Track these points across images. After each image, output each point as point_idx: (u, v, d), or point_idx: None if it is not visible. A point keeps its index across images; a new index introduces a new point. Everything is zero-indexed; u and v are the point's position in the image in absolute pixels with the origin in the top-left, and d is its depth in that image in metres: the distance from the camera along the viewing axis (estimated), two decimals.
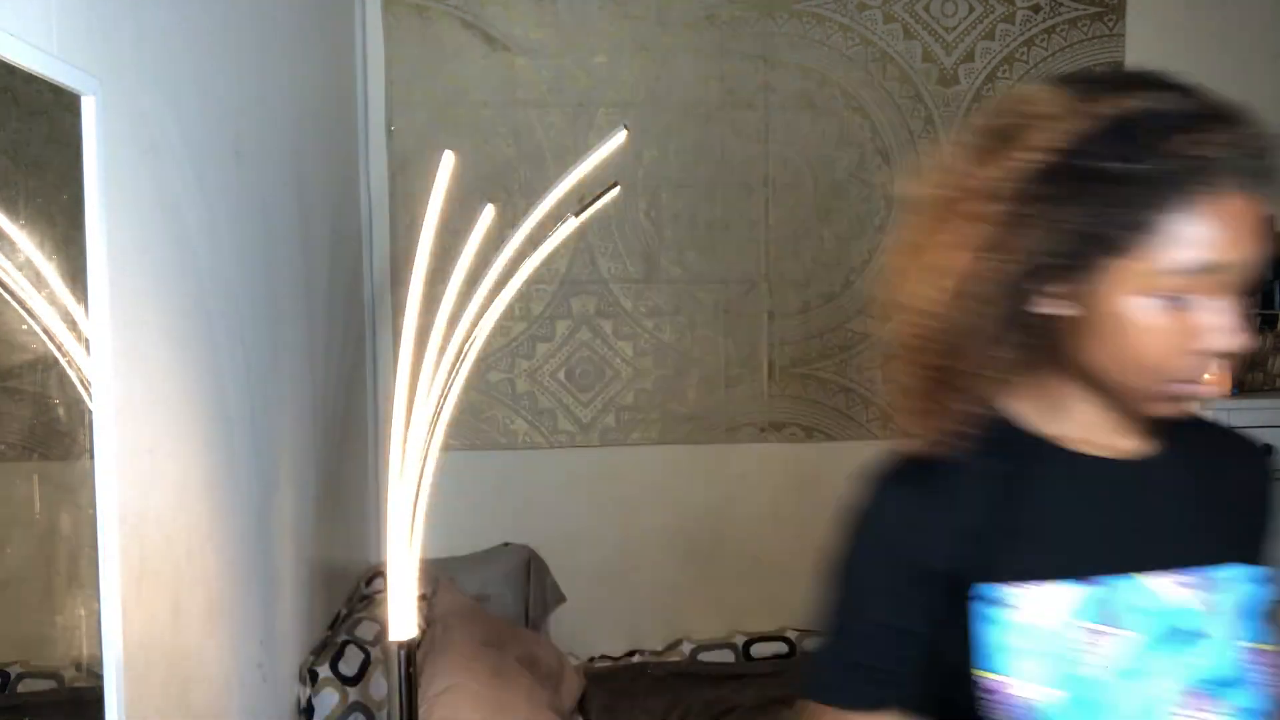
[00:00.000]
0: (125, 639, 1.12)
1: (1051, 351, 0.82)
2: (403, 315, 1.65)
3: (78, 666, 1.07)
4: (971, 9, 3.04)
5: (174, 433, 1.36)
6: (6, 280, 0.93)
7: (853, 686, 0.88)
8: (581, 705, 2.48)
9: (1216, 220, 0.74)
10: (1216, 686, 0.80)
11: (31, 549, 1.02)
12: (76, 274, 1.04)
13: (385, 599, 1.74)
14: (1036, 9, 3.07)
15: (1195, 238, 0.74)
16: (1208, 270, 0.74)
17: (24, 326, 0.97)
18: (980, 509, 0.84)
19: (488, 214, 1.83)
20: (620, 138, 1.87)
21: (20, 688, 1.00)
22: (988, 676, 0.80)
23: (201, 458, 1.46)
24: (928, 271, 0.81)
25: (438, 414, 1.71)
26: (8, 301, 0.94)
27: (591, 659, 2.89)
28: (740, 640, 2.90)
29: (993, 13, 3.05)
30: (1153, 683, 0.79)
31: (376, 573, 2.39)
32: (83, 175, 1.05)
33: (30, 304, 0.97)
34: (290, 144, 2.01)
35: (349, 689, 1.92)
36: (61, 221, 1.04)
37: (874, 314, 0.92)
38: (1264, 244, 0.76)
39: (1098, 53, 3.09)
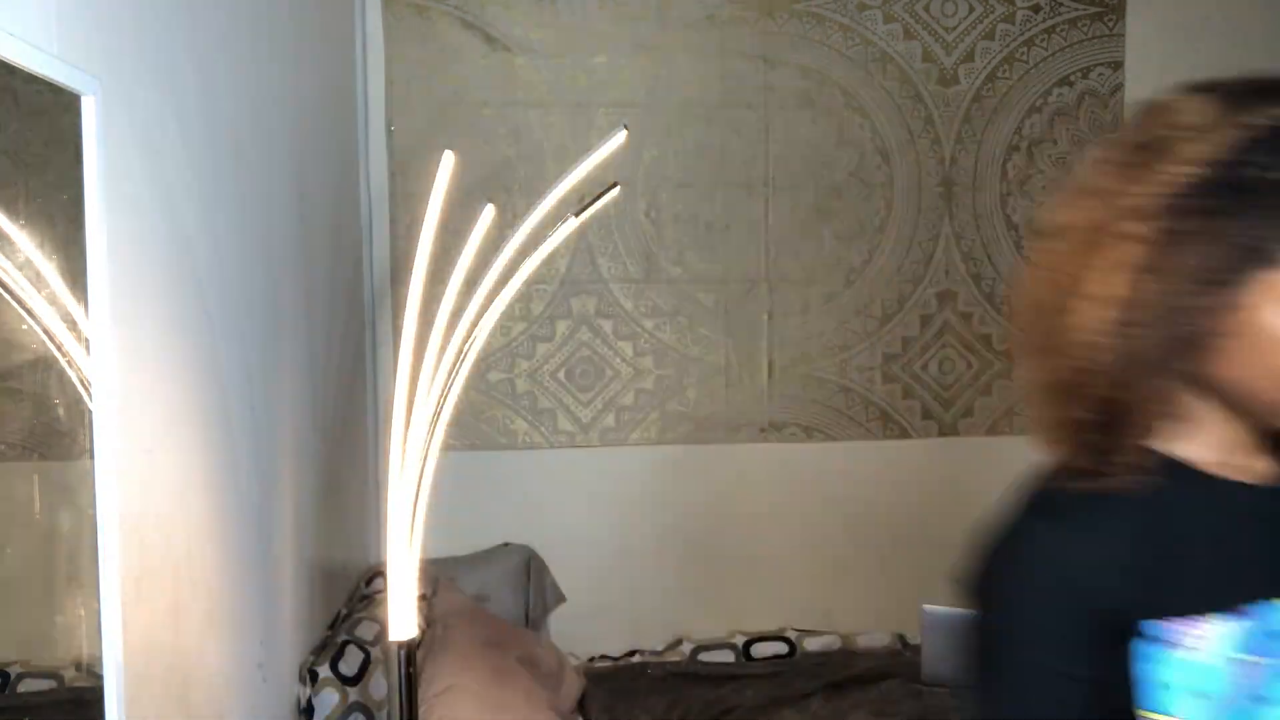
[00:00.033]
0: (125, 639, 1.12)
1: (1190, 370, 0.79)
2: (403, 315, 1.65)
3: (78, 666, 1.07)
4: (971, 9, 3.05)
5: (174, 433, 1.36)
6: (6, 280, 0.94)
7: None
8: (581, 705, 2.48)
9: None
10: None
11: (31, 549, 1.03)
12: (76, 274, 1.04)
13: (385, 599, 1.74)
14: (1036, 9, 3.07)
15: None
16: None
17: (24, 326, 0.97)
18: (1137, 541, 0.80)
19: (488, 214, 1.83)
20: (620, 138, 1.87)
21: (20, 688, 1.00)
22: (1152, 717, 0.78)
23: (201, 458, 1.46)
24: (1085, 302, 0.77)
25: (438, 414, 1.71)
26: (8, 301, 0.94)
27: (591, 659, 2.89)
28: (740, 640, 2.90)
29: (993, 13, 3.05)
30: None
31: (376, 573, 2.39)
32: (83, 175, 1.05)
33: (30, 304, 0.97)
34: (290, 144, 2.01)
35: (349, 689, 1.92)
36: (61, 221, 1.04)
37: (1014, 354, 0.87)
38: None
39: (1098, 53, 3.09)
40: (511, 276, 1.83)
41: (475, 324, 1.78)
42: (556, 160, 2.89)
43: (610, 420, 2.98)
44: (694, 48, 2.95)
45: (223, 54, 1.61)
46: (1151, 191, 0.75)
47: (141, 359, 1.24)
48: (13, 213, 0.95)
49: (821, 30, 2.99)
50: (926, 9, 3.03)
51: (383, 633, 1.99)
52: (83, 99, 1.05)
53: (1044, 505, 0.83)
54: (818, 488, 3.07)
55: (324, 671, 1.91)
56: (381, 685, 2.00)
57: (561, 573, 2.91)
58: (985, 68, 3.06)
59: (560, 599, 2.90)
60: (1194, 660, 0.78)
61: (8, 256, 0.94)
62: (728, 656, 2.86)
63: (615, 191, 2.04)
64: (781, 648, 2.89)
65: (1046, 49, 3.08)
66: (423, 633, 2.09)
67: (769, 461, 3.04)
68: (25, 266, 0.96)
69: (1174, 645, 0.78)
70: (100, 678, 1.08)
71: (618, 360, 2.98)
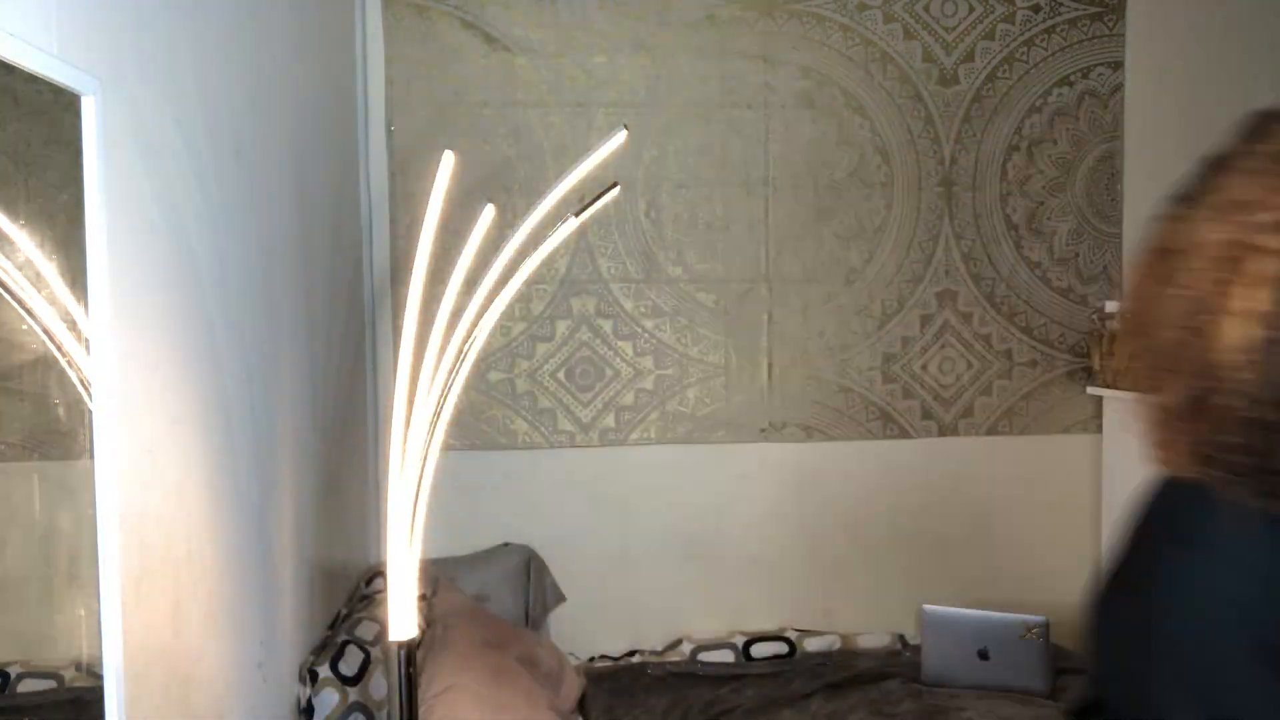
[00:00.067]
0: (125, 639, 1.12)
1: None
2: (403, 315, 1.65)
3: (78, 666, 1.07)
4: (971, 9, 3.05)
5: (174, 433, 1.36)
6: (6, 280, 0.94)
7: None
8: (581, 705, 2.48)
9: None
10: None
11: (31, 549, 1.03)
12: (76, 274, 1.04)
13: (385, 599, 1.73)
14: (1036, 9, 3.07)
15: None
16: None
17: (24, 326, 0.97)
18: None
19: (488, 214, 1.83)
20: (620, 138, 1.87)
21: (20, 688, 1.00)
22: None
23: (201, 458, 1.46)
24: (1226, 320, 0.75)
25: (438, 414, 1.71)
26: (8, 301, 0.94)
27: (591, 659, 2.89)
28: (740, 640, 2.90)
29: (993, 13, 3.05)
30: None
31: (376, 573, 2.39)
32: (83, 175, 1.05)
33: (30, 304, 0.97)
34: (290, 144, 2.01)
35: (349, 689, 1.92)
36: (61, 221, 1.04)
37: (1128, 376, 0.85)
38: None
39: (1098, 53, 3.09)
40: (511, 276, 1.83)
41: (475, 324, 1.78)
42: (556, 160, 2.89)
43: (610, 420, 2.98)
44: (694, 48, 2.95)
45: (223, 54, 1.61)
46: None
47: (141, 359, 1.24)
48: (13, 213, 0.95)
49: (821, 30, 2.99)
50: (926, 9, 3.03)
51: (383, 633, 1.99)
52: (83, 99, 1.05)
53: (1215, 537, 0.78)
54: (818, 488, 3.07)
55: (324, 671, 1.91)
56: (381, 685, 2.00)
57: (561, 573, 2.91)
58: (985, 68, 3.06)
59: (560, 599, 2.90)
60: None
61: (8, 256, 0.94)
62: (728, 656, 2.86)
63: (615, 191, 2.04)
64: (781, 648, 2.89)
65: (1046, 49, 3.08)
66: (423, 633, 2.09)
67: (769, 461, 3.04)
68: (25, 266, 0.96)
69: None
70: (100, 678, 1.08)
71: (618, 360, 2.98)
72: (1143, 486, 0.85)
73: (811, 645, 2.90)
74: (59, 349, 1.02)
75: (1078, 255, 3.13)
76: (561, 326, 2.95)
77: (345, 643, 2.01)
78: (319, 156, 2.30)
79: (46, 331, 1.00)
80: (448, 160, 1.64)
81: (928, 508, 3.10)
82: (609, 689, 2.62)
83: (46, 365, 1.01)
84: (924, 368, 3.08)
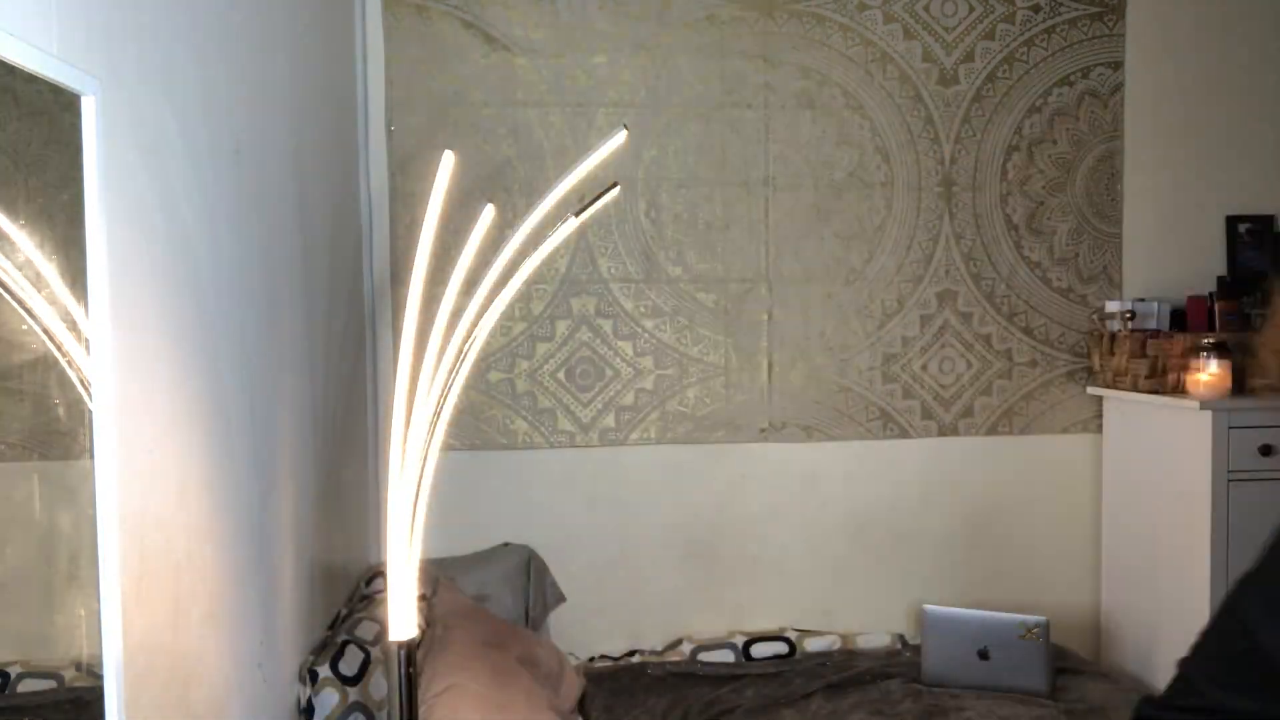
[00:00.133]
0: (125, 639, 1.12)
1: None
2: (403, 315, 1.65)
3: (78, 666, 1.07)
4: (971, 9, 3.05)
5: (174, 433, 1.36)
6: (6, 280, 0.93)
7: None
8: (581, 705, 2.48)
9: None
10: None
11: (31, 549, 1.03)
12: (76, 274, 1.04)
13: (385, 599, 1.73)
14: (1036, 9, 3.07)
15: None
16: None
17: (24, 326, 0.97)
18: None
19: (488, 214, 1.83)
20: (620, 138, 1.87)
21: (20, 688, 1.00)
22: None
23: (201, 458, 1.46)
24: None
25: (438, 414, 1.71)
26: (8, 301, 0.94)
27: (591, 659, 2.89)
28: (740, 640, 2.90)
29: (993, 13, 3.05)
30: None
31: (376, 573, 2.39)
32: (83, 175, 1.05)
33: (30, 304, 0.97)
34: (290, 144, 2.01)
35: (349, 689, 1.92)
36: (61, 221, 1.04)
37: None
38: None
39: (1098, 53, 3.09)
40: (511, 276, 1.83)
41: (475, 324, 1.77)
42: (556, 160, 2.89)
43: (610, 420, 2.98)
44: (694, 48, 2.95)
45: (223, 54, 1.61)
46: None
47: (141, 359, 1.24)
48: (13, 213, 0.95)
49: (821, 30, 2.99)
50: (926, 9, 3.03)
51: (383, 633, 1.99)
52: (83, 99, 1.05)
53: None
54: (818, 488, 3.07)
55: (324, 671, 1.91)
56: (381, 685, 2.00)
57: (561, 573, 2.91)
58: (985, 68, 3.06)
59: (560, 599, 2.90)
60: None
61: (8, 256, 0.94)
62: (728, 656, 2.86)
63: (615, 191, 2.04)
64: (781, 648, 2.89)
65: (1046, 49, 3.08)
66: (423, 633, 2.09)
67: (769, 461, 3.04)
68: (25, 266, 0.96)
69: None
70: (100, 678, 1.08)
71: (618, 360, 2.98)
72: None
73: (811, 645, 2.90)
74: (59, 349, 1.02)
75: (1078, 255, 3.13)
76: (561, 326, 2.95)
77: (345, 643, 2.01)
78: (319, 156, 2.30)
79: (46, 331, 1.00)
80: (447, 160, 1.64)
81: (928, 508, 3.10)
82: (609, 689, 2.62)
83: (46, 365, 1.01)
84: (924, 368, 3.08)
